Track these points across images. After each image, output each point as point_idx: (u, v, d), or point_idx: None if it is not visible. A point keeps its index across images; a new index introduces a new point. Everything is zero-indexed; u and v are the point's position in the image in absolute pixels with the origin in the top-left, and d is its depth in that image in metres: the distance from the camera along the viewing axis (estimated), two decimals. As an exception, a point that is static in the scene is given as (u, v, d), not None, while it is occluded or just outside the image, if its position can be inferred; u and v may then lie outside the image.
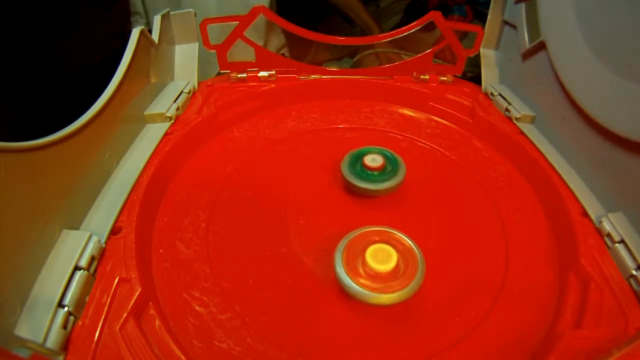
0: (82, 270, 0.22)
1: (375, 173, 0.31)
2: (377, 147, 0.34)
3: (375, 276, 0.23)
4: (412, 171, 0.32)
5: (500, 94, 0.40)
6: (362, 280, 0.23)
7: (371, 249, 0.24)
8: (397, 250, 0.24)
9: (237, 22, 0.39)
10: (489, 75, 0.44)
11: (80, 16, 0.72)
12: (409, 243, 0.25)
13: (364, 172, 0.32)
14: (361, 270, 0.23)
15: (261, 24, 0.71)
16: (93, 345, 0.20)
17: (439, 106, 0.41)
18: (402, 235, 0.25)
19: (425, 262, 0.24)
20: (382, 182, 0.31)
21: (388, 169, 0.32)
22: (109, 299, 0.22)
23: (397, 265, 0.23)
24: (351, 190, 0.32)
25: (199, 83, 0.42)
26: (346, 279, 0.23)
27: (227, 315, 0.24)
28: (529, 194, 0.33)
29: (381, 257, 0.23)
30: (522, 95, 0.40)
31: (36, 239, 0.22)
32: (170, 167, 0.33)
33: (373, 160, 0.31)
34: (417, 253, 0.24)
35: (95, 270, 0.23)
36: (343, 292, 0.26)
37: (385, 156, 0.32)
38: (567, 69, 0.33)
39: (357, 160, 0.33)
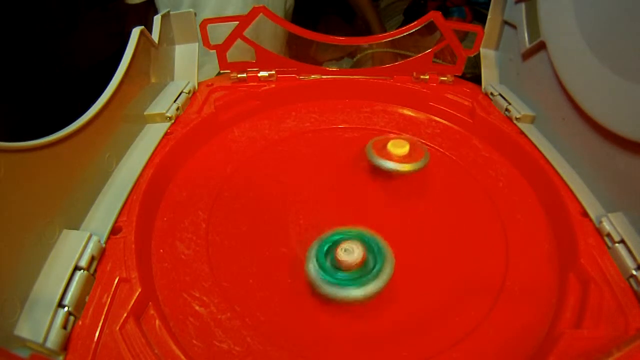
0: (82, 270, 0.22)
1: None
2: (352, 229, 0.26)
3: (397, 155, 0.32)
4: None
5: (500, 94, 0.40)
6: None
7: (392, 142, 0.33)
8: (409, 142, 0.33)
9: (237, 22, 0.39)
10: (489, 75, 0.44)
11: (80, 16, 0.72)
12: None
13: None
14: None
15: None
16: (93, 345, 0.20)
17: (439, 106, 0.41)
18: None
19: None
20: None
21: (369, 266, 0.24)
22: (109, 299, 0.22)
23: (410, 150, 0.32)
24: None
25: (199, 83, 0.42)
26: (377, 158, 0.32)
27: (227, 315, 0.24)
28: (529, 194, 0.33)
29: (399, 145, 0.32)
30: (522, 95, 0.40)
31: (36, 239, 0.22)
32: (170, 167, 0.33)
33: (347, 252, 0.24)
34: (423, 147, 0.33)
35: (95, 270, 0.23)
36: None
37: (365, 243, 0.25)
38: (567, 69, 0.33)
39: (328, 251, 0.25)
